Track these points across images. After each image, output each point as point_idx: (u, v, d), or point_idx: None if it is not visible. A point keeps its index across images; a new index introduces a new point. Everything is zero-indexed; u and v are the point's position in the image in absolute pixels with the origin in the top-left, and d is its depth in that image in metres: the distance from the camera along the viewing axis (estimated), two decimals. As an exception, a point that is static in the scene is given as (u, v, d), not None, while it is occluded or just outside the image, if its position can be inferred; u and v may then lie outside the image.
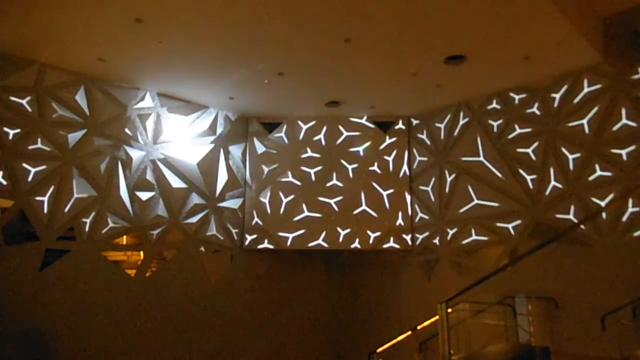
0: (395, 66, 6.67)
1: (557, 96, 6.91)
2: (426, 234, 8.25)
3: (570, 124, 6.72)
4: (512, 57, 6.37)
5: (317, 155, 8.58)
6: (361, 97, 7.91)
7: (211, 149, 8.21)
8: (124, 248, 8.86)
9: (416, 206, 8.49)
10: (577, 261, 6.37)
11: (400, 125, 8.74)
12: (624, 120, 6.22)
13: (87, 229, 6.65)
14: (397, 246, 8.31)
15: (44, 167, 6.36)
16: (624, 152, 6.18)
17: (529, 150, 7.12)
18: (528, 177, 7.09)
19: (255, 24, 5.49)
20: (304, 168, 8.54)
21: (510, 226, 7.18)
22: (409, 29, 5.63)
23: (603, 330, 5.66)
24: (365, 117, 8.68)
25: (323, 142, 8.62)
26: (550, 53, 6.21)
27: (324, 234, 8.26)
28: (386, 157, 8.60)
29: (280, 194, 8.47)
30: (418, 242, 8.37)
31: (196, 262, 7.80)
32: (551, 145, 6.89)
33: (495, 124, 7.58)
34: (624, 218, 6.07)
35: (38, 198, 6.28)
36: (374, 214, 8.35)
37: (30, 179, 6.23)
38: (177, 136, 7.79)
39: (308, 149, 8.60)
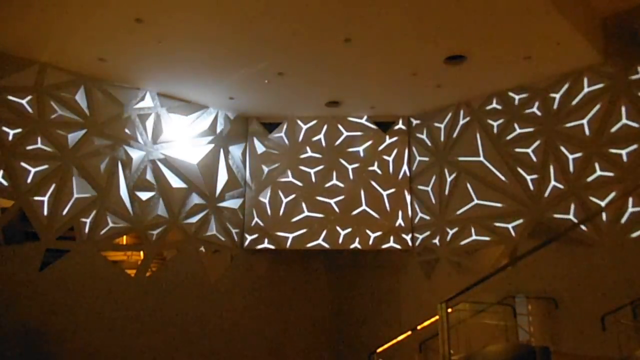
0: (395, 66, 6.67)
1: (557, 96, 6.90)
2: (426, 234, 8.25)
3: (570, 124, 6.72)
4: (512, 57, 6.37)
5: (317, 155, 8.57)
6: (361, 97, 7.91)
7: (211, 149, 8.21)
8: (124, 248, 8.86)
9: (416, 206, 8.49)
10: (577, 261, 6.37)
11: (400, 125, 8.74)
12: (624, 120, 6.22)
13: (87, 229, 6.65)
14: (397, 246, 8.31)
15: (44, 167, 6.36)
16: (624, 152, 6.18)
17: (529, 150, 7.12)
18: (528, 177, 7.09)
19: (255, 24, 5.49)
20: (304, 168, 8.54)
21: (510, 226, 7.18)
22: (409, 29, 5.63)
23: (603, 330, 5.66)
24: (365, 117, 8.68)
25: (323, 142, 8.62)
26: (550, 53, 6.21)
27: (324, 234, 8.26)
28: (386, 157, 8.60)
29: (280, 194, 8.47)
30: (418, 242, 8.37)
31: (196, 262, 7.80)
32: (551, 145, 6.89)
33: (495, 124, 7.58)
34: (624, 218, 6.07)
35: (38, 198, 6.28)
36: (374, 214, 8.35)
37: (30, 179, 6.23)
38: (177, 136, 7.79)
39: (308, 149, 8.60)
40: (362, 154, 8.57)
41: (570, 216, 6.57)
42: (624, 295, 5.70)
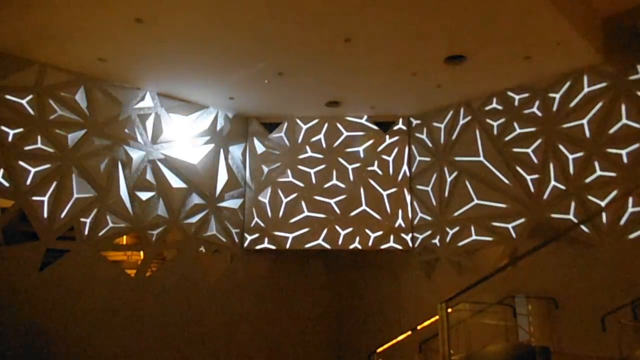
0: (395, 66, 6.67)
1: (557, 96, 6.91)
2: (426, 234, 8.25)
3: (570, 124, 6.72)
4: (512, 57, 6.37)
5: (317, 155, 8.57)
6: (361, 97, 7.91)
7: (211, 149, 8.21)
8: (124, 248, 8.88)
9: (416, 206, 8.49)
10: (577, 261, 6.37)
11: (400, 125, 8.74)
12: (624, 120, 6.22)
13: (87, 229, 6.65)
14: (397, 246, 8.31)
15: (44, 167, 6.35)
16: (624, 152, 6.18)
17: (529, 150, 7.12)
18: (528, 177, 7.09)
19: (255, 24, 5.49)
20: (304, 168, 8.54)
21: (510, 226, 7.18)
22: (409, 29, 5.63)
23: (603, 330, 5.66)
24: (365, 117, 8.68)
25: (323, 142, 8.62)
26: (550, 53, 6.21)
27: (324, 234, 8.26)
28: (386, 157, 8.60)
29: (280, 194, 8.47)
30: (418, 242, 8.37)
31: (196, 262, 7.80)
32: (551, 145, 6.89)
33: (495, 124, 7.58)
34: (624, 218, 6.07)
35: (38, 198, 6.28)
36: (374, 214, 8.35)
37: (30, 179, 6.22)
38: (177, 136, 7.79)
39: (308, 149, 8.60)
40: (362, 154, 8.57)
41: (570, 216, 6.57)
42: (624, 295, 5.70)
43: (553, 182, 6.82)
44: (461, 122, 8.02)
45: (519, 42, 5.96)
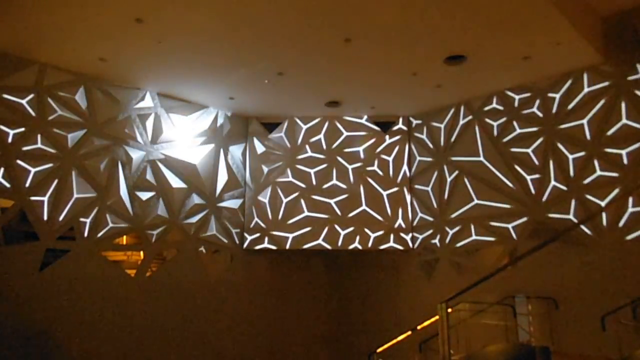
0: (395, 66, 6.67)
1: (557, 96, 6.91)
2: (426, 234, 8.25)
3: (570, 124, 6.72)
4: (512, 57, 6.37)
5: (317, 155, 8.57)
6: (361, 97, 7.91)
7: (211, 149, 8.21)
8: (124, 248, 8.88)
9: (416, 206, 8.49)
10: (577, 261, 6.36)
11: (400, 125, 8.74)
12: (624, 120, 6.22)
13: (87, 229, 6.65)
14: (397, 246, 8.31)
15: (44, 167, 6.36)
16: (624, 152, 6.18)
17: (529, 150, 7.12)
18: (528, 177, 7.09)
19: (255, 24, 5.49)
20: (304, 168, 8.54)
21: (510, 226, 7.18)
22: (409, 29, 5.63)
23: (603, 330, 5.66)
24: (365, 117, 8.68)
25: (323, 142, 8.62)
26: (550, 53, 6.21)
27: (324, 234, 8.26)
28: (386, 157, 8.60)
29: (280, 194, 8.47)
30: (418, 242, 8.37)
31: (196, 262, 7.80)
32: (551, 145, 6.89)
33: (495, 124, 7.58)
34: (624, 218, 6.07)
35: (38, 198, 6.28)
36: (374, 214, 8.35)
37: (30, 179, 6.23)
38: (177, 136, 7.79)
39: (308, 149, 8.60)
40: (362, 154, 8.57)
41: (570, 216, 6.57)
42: (624, 295, 5.70)
43: (553, 182, 6.82)
44: (461, 122, 8.02)
45: (519, 42, 5.96)
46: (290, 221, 8.35)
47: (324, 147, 8.60)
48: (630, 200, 6.02)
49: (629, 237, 5.98)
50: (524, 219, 7.03)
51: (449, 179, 8.05)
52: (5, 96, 6.16)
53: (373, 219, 8.32)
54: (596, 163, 6.41)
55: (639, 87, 6.14)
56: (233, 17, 5.35)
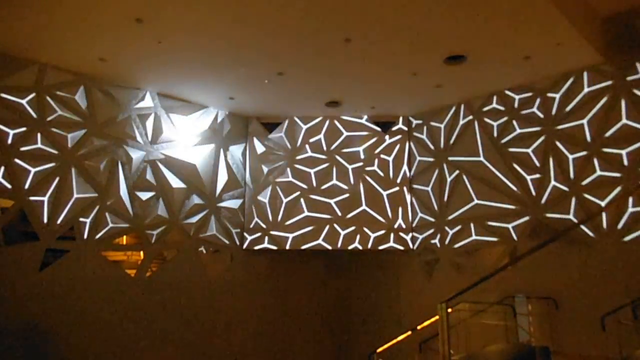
0: (395, 66, 6.67)
1: (557, 96, 6.91)
2: (426, 234, 8.25)
3: (570, 124, 6.72)
4: (512, 57, 6.37)
5: (317, 155, 8.57)
6: (361, 97, 7.91)
7: (211, 149, 8.21)
8: (124, 248, 8.88)
9: (416, 206, 8.49)
10: (577, 261, 6.37)
11: (400, 125, 8.74)
12: (624, 120, 6.23)
13: (87, 229, 6.65)
14: (397, 246, 8.31)
15: (44, 167, 6.36)
16: (624, 152, 6.19)
17: (529, 150, 7.12)
18: (528, 177, 7.09)
19: (255, 24, 5.49)
20: (304, 168, 8.54)
21: (510, 226, 7.18)
22: (409, 29, 5.63)
23: (603, 330, 5.66)
24: (365, 117, 8.68)
25: (323, 142, 8.62)
26: (550, 53, 6.21)
27: (324, 234, 8.26)
28: (386, 157, 8.60)
29: (280, 194, 8.47)
30: (418, 242, 8.37)
31: (196, 262, 7.80)
32: (551, 145, 6.89)
33: (495, 124, 7.58)
34: (624, 218, 6.07)
35: (38, 198, 6.28)
36: (374, 214, 8.35)
37: (30, 179, 6.23)
38: (177, 136, 7.79)
39: (308, 149, 8.60)
40: (362, 154, 8.57)
41: (570, 216, 6.57)
42: (624, 295, 5.70)
43: (553, 182, 6.82)
44: (461, 122, 8.02)
45: (519, 42, 5.96)
46: (290, 221, 8.35)
47: (324, 147, 8.60)
48: (630, 200, 6.03)
49: (629, 237, 5.98)
50: (524, 219, 7.03)
51: (449, 179, 8.05)
52: (5, 96, 6.16)
53: (373, 219, 8.32)
54: (596, 163, 6.41)
55: (639, 87, 6.14)
56: (233, 17, 5.35)
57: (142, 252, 7.86)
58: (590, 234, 6.31)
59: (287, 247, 8.28)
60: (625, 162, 6.15)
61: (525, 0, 5.02)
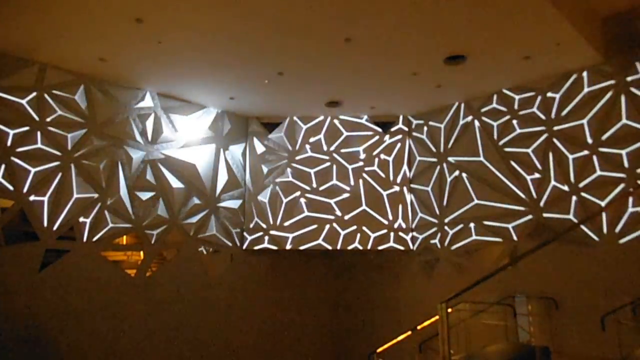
0: (395, 66, 6.67)
1: (557, 96, 6.91)
2: (426, 234, 8.25)
3: (570, 124, 6.72)
4: (512, 57, 6.38)
5: (317, 155, 8.57)
6: (361, 97, 7.91)
7: (211, 149, 8.21)
8: (124, 248, 8.89)
9: (416, 206, 8.49)
10: (577, 261, 6.36)
11: (400, 125, 8.74)
12: (624, 120, 6.22)
13: (87, 229, 6.65)
14: (397, 246, 8.31)
15: (44, 167, 6.36)
16: (624, 152, 6.18)
17: (529, 150, 7.12)
18: (528, 177, 7.09)
19: (255, 24, 5.49)
20: (303, 168, 8.54)
21: (510, 226, 7.18)
22: (409, 29, 5.63)
23: (603, 330, 5.66)
24: (365, 117, 8.68)
25: (323, 142, 8.62)
26: (550, 53, 6.21)
27: (324, 234, 8.26)
28: (386, 157, 8.60)
29: (280, 194, 8.47)
30: (418, 242, 8.37)
31: (196, 262, 7.80)
32: (551, 145, 6.89)
33: (495, 124, 7.58)
34: (624, 218, 6.07)
35: (38, 198, 6.28)
36: (374, 214, 8.35)
37: (30, 179, 6.23)
38: (176, 136, 7.79)
39: (308, 149, 8.60)
40: (362, 154, 8.57)
41: (570, 216, 6.57)
42: (624, 295, 5.70)
43: (553, 182, 6.82)
44: (461, 122, 8.02)
45: (519, 42, 5.96)
46: (290, 221, 8.35)
47: (324, 147, 8.60)
48: (630, 200, 6.02)
49: (629, 237, 5.98)
50: (524, 219, 7.03)
51: (449, 179, 8.05)
52: (5, 96, 6.16)
53: (373, 219, 8.32)
54: (596, 163, 6.41)
55: (639, 87, 6.14)
56: (233, 17, 5.35)
57: (142, 252, 7.86)
58: (590, 234, 6.31)
59: (287, 247, 8.28)
60: (625, 162, 6.15)
61: (525, 0, 5.02)
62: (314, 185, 8.46)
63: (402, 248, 8.32)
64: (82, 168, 6.68)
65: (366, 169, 8.52)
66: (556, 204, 6.73)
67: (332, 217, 8.32)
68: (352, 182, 8.46)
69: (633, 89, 6.18)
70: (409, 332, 6.65)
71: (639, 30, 6.20)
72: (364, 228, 8.27)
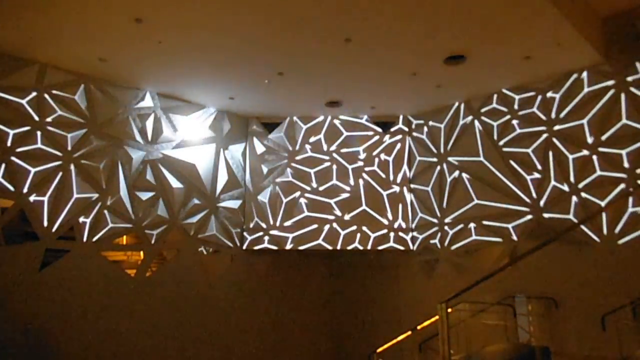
0: (395, 66, 6.67)
1: (557, 96, 6.91)
2: (426, 234, 8.25)
3: (570, 124, 6.72)
4: (512, 57, 6.38)
5: (317, 155, 8.57)
6: (361, 97, 7.91)
7: (211, 149, 8.21)
8: (124, 248, 8.89)
9: (416, 206, 8.49)
10: (577, 261, 6.36)
11: (400, 125, 8.74)
12: (624, 120, 6.22)
13: (87, 229, 6.65)
14: (397, 246, 8.30)
15: (44, 167, 6.35)
16: (624, 152, 6.18)
17: (529, 150, 7.12)
18: (528, 177, 7.09)
19: (255, 24, 5.49)
20: (304, 168, 8.53)
21: (510, 226, 7.18)
22: (409, 29, 5.63)
23: (603, 330, 5.66)
24: (365, 117, 8.68)
25: (323, 142, 8.62)
26: (550, 53, 6.21)
27: (324, 234, 8.26)
28: (386, 157, 8.60)
29: (280, 194, 8.47)
30: (418, 242, 8.37)
31: (196, 262, 7.80)
32: (551, 145, 6.89)
33: (495, 124, 7.58)
34: (624, 218, 6.07)
35: (38, 198, 6.27)
36: (374, 214, 8.34)
37: (30, 179, 6.22)
38: (176, 136, 7.79)
39: (308, 149, 8.60)
40: (362, 154, 8.57)
41: (570, 216, 6.57)
42: (624, 295, 5.70)
43: (553, 182, 6.82)
44: (461, 122, 8.02)
45: (519, 42, 5.96)
46: (290, 221, 8.35)
47: (324, 147, 8.60)
48: (630, 200, 6.02)
49: (629, 237, 5.98)
50: (524, 219, 7.03)
51: (449, 179, 8.05)
52: (5, 96, 6.16)
53: (373, 219, 8.32)
54: (596, 163, 6.41)
55: (639, 87, 6.14)
56: (233, 17, 5.35)
57: (142, 252, 7.86)
58: (590, 233, 6.31)
59: (287, 247, 8.28)
60: (625, 162, 6.15)
61: (525, 0, 5.02)
62: (314, 185, 8.46)
63: (402, 248, 8.32)
64: (82, 168, 6.68)
65: (366, 169, 8.52)
66: (556, 204, 6.73)
67: (332, 217, 8.32)
68: (352, 182, 8.46)
69: (633, 89, 6.18)
70: (409, 332, 6.66)
71: (639, 30, 6.19)
72: (364, 228, 8.26)
